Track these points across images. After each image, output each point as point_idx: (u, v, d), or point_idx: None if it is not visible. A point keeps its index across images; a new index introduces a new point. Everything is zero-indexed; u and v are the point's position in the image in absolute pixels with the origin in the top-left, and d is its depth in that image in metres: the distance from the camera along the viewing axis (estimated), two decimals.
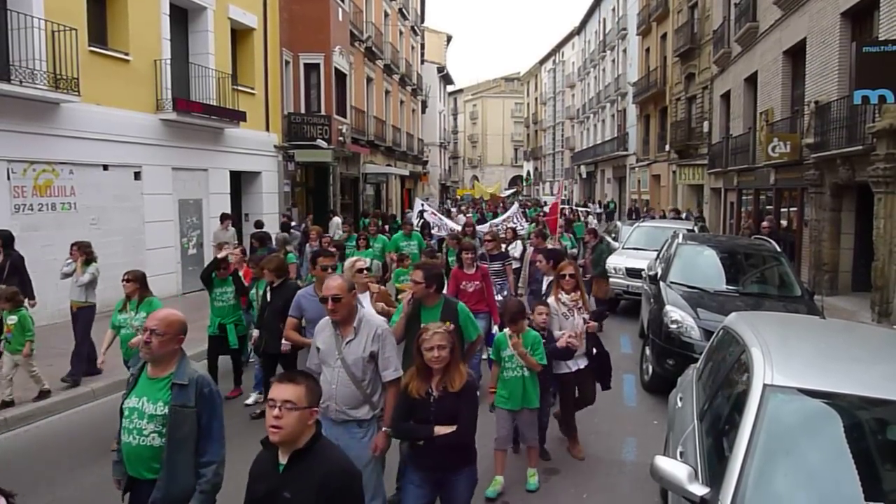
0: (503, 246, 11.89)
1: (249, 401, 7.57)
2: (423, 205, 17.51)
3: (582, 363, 5.97)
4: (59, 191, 11.72)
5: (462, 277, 7.69)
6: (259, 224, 14.99)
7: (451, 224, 15.81)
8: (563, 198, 52.38)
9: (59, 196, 11.74)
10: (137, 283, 6.53)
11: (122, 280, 6.57)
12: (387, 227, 18.89)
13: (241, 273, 8.20)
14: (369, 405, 4.18)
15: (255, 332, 7.12)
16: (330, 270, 5.64)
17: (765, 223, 14.77)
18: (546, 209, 31.32)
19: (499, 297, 8.39)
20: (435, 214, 16.22)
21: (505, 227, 14.00)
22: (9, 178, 10.78)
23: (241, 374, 8.01)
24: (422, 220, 16.50)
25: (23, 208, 11.02)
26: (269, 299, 6.91)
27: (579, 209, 31.13)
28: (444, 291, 8.60)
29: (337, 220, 18.60)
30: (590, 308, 6.07)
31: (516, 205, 20.55)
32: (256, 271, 7.77)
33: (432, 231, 15.80)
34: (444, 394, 3.75)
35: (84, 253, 8.31)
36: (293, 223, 16.75)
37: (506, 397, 5.42)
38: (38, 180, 11.33)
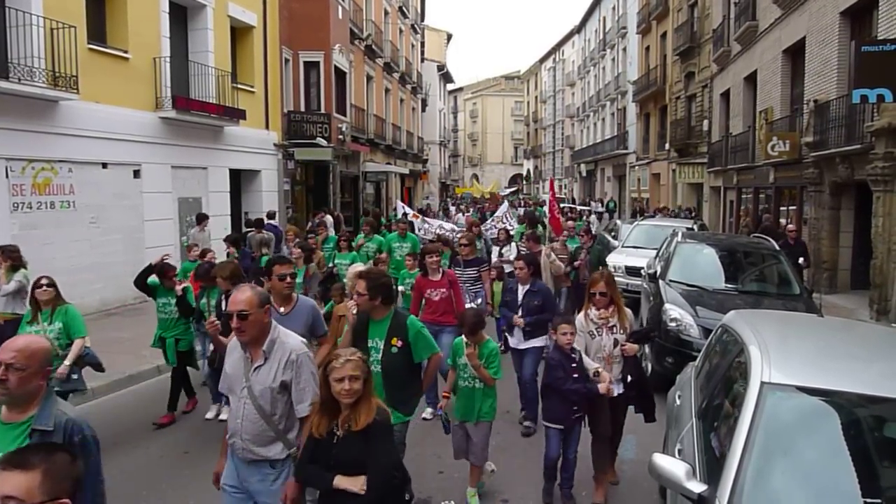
0: (497, 249, 11.48)
1: (209, 415, 7.11)
2: (404, 207, 16.61)
3: (614, 390, 5.18)
4: (58, 189, 11.71)
5: (426, 285, 7.05)
6: (250, 223, 14.03)
7: (434, 225, 14.60)
8: (562, 196, 52.16)
9: (59, 194, 11.73)
10: (55, 290, 5.92)
11: (38, 286, 5.91)
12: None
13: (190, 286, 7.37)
14: (283, 443, 3.53)
15: (207, 347, 6.53)
16: (289, 280, 4.96)
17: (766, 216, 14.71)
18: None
19: (472, 307, 7.82)
20: (417, 217, 15.23)
21: (497, 229, 13.19)
22: (7, 176, 10.76)
23: (178, 396, 7.17)
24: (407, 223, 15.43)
25: (21, 206, 11.01)
26: (223, 310, 5.89)
27: (581, 208, 31.03)
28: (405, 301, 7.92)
29: (329, 218, 17.94)
30: (629, 325, 5.34)
31: (506, 204, 19.33)
32: (206, 280, 6.97)
33: (417, 233, 14.29)
34: (348, 433, 3.15)
35: (10, 258, 7.58)
36: (270, 221, 15.35)
37: (457, 407, 5.15)
38: (37, 178, 11.31)
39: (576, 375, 4.97)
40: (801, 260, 11.10)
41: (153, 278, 7.04)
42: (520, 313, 6.60)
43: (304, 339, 3.87)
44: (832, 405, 3.16)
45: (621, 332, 5.27)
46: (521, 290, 6.73)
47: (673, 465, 3.13)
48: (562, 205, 38.17)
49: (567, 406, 5.01)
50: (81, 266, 11.78)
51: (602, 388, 4.93)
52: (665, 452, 3.99)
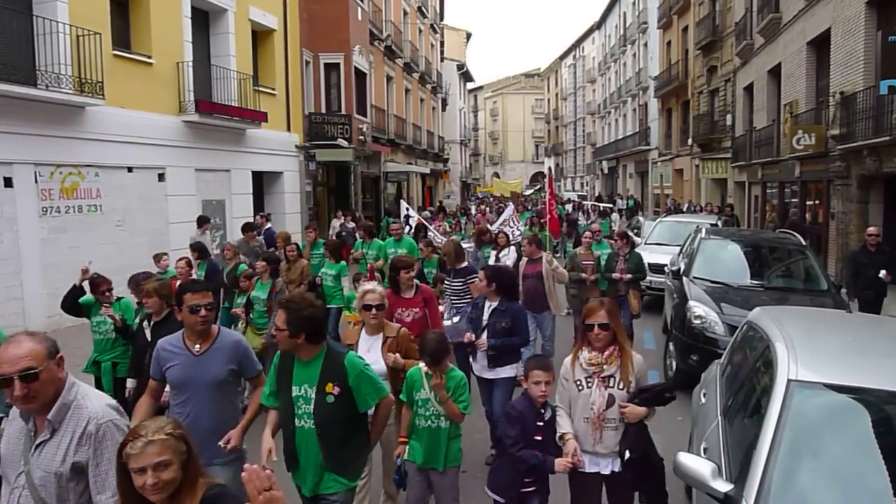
0: (493, 253, 10.44)
1: None
2: (407, 209, 15.07)
3: (607, 466, 3.78)
4: (85, 193, 11.92)
5: (397, 304, 5.87)
6: (247, 226, 12.08)
7: (437, 235, 13.04)
8: (579, 193, 51.42)
9: (86, 198, 11.95)
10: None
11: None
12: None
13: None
14: None
15: (129, 383, 5.43)
16: (204, 312, 3.77)
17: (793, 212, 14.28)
18: (569, 208, 30.82)
19: (450, 323, 6.84)
20: (423, 221, 13.92)
21: (497, 232, 11.69)
22: (36, 181, 10.98)
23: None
24: (410, 228, 13.83)
25: (50, 211, 11.23)
26: (148, 338, 5.04)
27: (604, 206, 30.79)
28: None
29: (335, 222, 17.14)
30: (634, 377, 3.78)
31: (511, 206, 17.55)
32: (139, 296, 5.81)
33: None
34: None
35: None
36: (268, 225, 14.44)
37: (415, 450, 4.19)
38: (65, 183, 11.53)
39: (539, 438, 3.81)
40: (882, 273, 8.85)
41: (88, 296, 6.28)
42: (484, 335, 5.53)
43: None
44: (861, 402, 3.11)
45: (621, 385, 3.75)
46: (488, 308, 5.66)
47: (698, 464, 3.10)
48: (585, 202, 37.86)
49: (515, 475, 3.89)
50: (108, 269, 11.75)
51: (559, 463, 3.66)
52: (690, 451, 3.95)
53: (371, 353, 4.53)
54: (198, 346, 3.82)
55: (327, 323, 3.64)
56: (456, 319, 6.90)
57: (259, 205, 18.17)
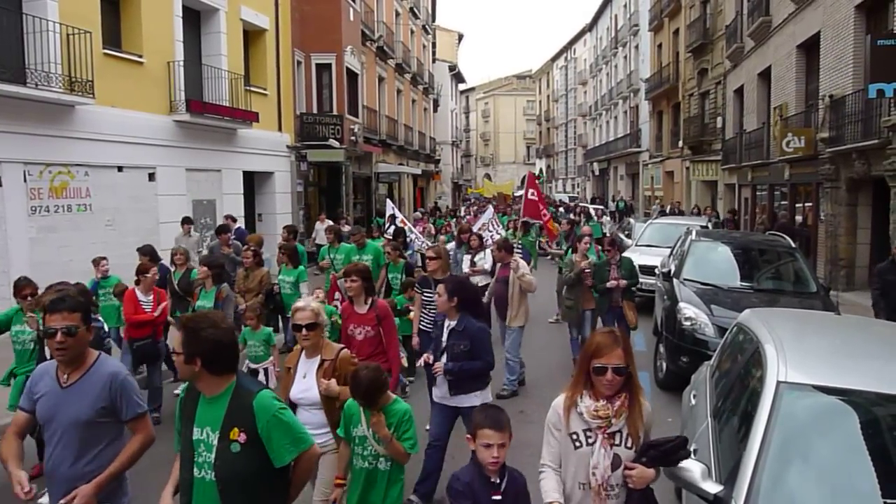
0: (468, 258, 9.87)
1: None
2: (394, 209, 14.26)
3: None
4: (74, 192, 11.84)
5: (351, 318, 5.28)
6: (221, 229, 11.20)
7: (422, 239, 12.43)
8: (570, 195, 51.18)
9: (75, 197, 11.87)
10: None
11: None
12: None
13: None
14: None
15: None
16: (62, 339, 3.07)
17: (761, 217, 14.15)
18: (561, 210, 30.66)
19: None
20: (406, 224, 12.97)
21: (470, 234, 11.12)
22: (25, 180, 10.90)
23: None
24: (394, 227, 13.14)
25: (39, 210, 11.15)
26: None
27: (594, 207, 30.78)
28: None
29: (319, 225, 16.37)
30: (641, 431, 2.99)
31: (490, 209, 17.04)
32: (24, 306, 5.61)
33: (408, 240, 12.16)
34: None
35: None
36: (237, 225, 13.62)
37: (352, 495, 3.71)
38: (54, 182, 11.45)
39: None
40: None
41: (11, 307, 5.93)
42: (443, 358, 4.94)
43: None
44: (849, 404, 3.13)
45: (629, 444, 2.96)
46: (447, 328, 5.02)
47: (688, 466, 3.10)
48: (581, 204, 37.75)
49: None
50: None
51: None
52: None
53: (307, 378, 4.05)
54: (66, 375, 3.18)
55: (235, 350, 2.86)
56: None
57: (250, 205, 18.11)
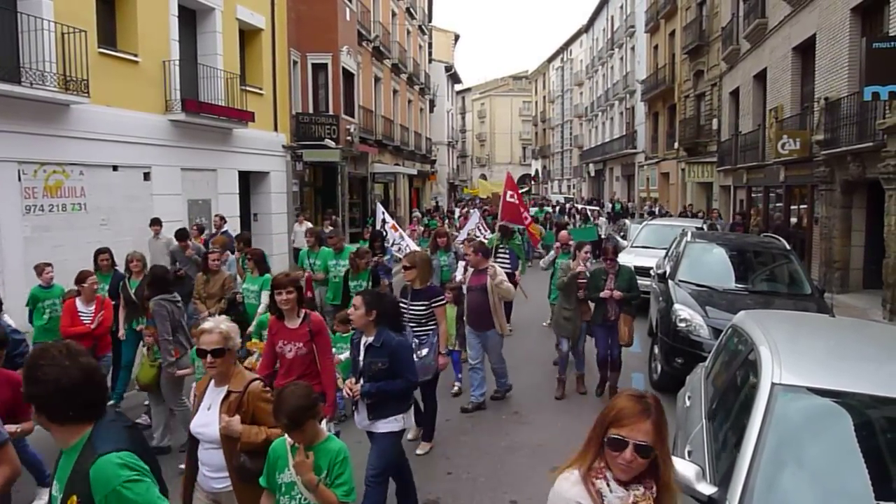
0: (462, 265, 8.87)
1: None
2: (384, 213, 13.31)
3: None
4: (69, 191, 11.79)
5: (281, 334, 4.76)
6: (181, 234, 10.72)
7: (412, 244, 11.71)
8: (566, 196, 51.11)
9: (70, 197, 11.82)
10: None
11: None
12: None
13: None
14: None
15: None
16: None
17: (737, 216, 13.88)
18: (548, 209, 30.60)
19: (422, 357, 5.67)
20: (397, 229, 12.28)
21: (444, 234, 10.77)
22: (20, 179, 10.85)
23: None
24: (373, 230, 12.60)
25: (34, 209, 11.10)
26: None
27: (590, 209, 30.77)
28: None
29: (297, 227, 15.74)
30: None
31: (476, 212, 16.44)
32: None
33: (390, 246, 11.47)
34: None
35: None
36: (225, 227, 13.08)
37: None
38: (49, 181, 11.40)
39: None
40: None
41: None
42: (361, 381, 4.43)
43: None
44: (844, 406, 3.13)
45: None
46: (363, 344, 4.50)
47: (683, 467, 3.10)
48: (577, 204, 37.76)
49: None
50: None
51: None
52: (675, 454, 3.97)
53: (211, 410, 3.49)
54: None
55: (88, 393, 2.20)
56: (424, 352, 5.79)
57: (246, 205, 18.07)
